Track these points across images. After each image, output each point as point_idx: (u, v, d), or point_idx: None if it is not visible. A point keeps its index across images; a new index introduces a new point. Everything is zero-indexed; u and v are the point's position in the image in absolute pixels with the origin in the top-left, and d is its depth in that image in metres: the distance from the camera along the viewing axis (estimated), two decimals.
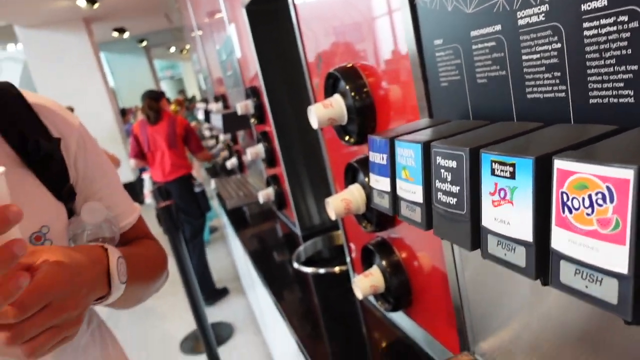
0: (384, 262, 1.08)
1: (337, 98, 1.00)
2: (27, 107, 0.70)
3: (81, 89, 7.02)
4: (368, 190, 1.02)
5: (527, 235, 0.40)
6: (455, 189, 0.49)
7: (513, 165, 0.41)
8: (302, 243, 1.91)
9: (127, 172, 7.34)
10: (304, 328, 1.36)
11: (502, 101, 0.60)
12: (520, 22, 0.54)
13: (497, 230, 0.44)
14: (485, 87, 0.63)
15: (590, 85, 0.48)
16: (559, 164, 0.37)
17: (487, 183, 0.44)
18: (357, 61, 0.98)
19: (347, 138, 1.05)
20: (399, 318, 1.17)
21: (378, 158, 0.66)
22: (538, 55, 0.53)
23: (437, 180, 0.52)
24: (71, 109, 3.71)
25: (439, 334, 1.00)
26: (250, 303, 3.26)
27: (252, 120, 2.11)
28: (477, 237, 0.48)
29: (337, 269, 1.60)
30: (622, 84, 0.44)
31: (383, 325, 1.23)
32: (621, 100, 0.44)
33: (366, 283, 1.08)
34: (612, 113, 0.45)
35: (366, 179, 1.00)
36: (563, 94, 0.51)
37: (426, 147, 0.54)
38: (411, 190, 0.58)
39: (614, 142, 0.38)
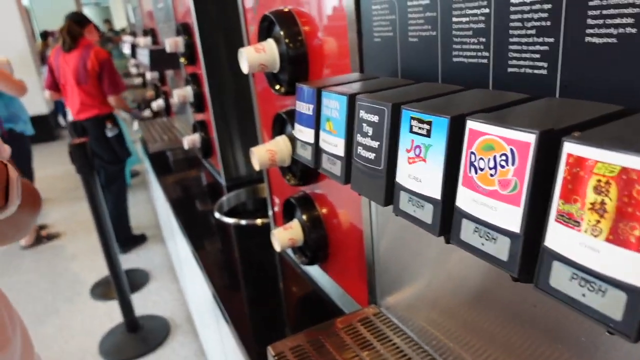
0: (304, 217, 1.08)
1: (270, 43, 0.96)
2: None
3: None
4: (294, 143, 1.01)
5: (436, 193, 0.41)
6: (374, 143, 0.49)
7: (430, 123, 0.41)
8: (226, 194, 1.87)
9: (40, 103, 6.72)
10: (221, 278, 1.35)
11: (430, 62, 0.60)
12: None
13: (409, 187, 0.45)
14: (415, 46, 0.62)
15: (511, 54, 0.49)
16: (471, 124, 0.37)
17: (405, 140, 0.44)
18: (294, 7, 0.94)
19: (277, 87, 1.02)
20: (315, 272, 1.20)
21: (304, 108, 0.64)
22: (467, 19, 0.53)
23: (358, 135, 0.51)
24: None
25: (351, 288, 1.04)
26: (169, 251, 3.20)
27: (182, 59, 1.98)
28: (390, 193, 0.49)
29: (258, 221, 1.60)
30: (538, 56, 0.45)
31: (299, 278, 1.26)
32: (536, 71, 0.46)
33: (285, 235, 1.09)
34: (527, 83, 0.47)
35: (293, 131, 0.99)
36: (485, 60, 0.52)
37: (351, 100, 0.53)
38: (333, 143, 0.57)
39: (523, 109, 0.39)
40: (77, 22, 3.06)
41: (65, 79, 3.11)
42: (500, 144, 0.34)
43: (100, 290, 3.06)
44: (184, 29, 1.87)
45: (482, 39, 0.52)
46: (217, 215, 1.69)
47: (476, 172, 0.37)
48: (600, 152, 0.28)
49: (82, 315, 2.83)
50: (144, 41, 2.90)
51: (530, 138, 0.32)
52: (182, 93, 1.96)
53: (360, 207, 0.88)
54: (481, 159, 0.36)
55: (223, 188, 1.96)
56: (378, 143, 0.48)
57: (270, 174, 1.35)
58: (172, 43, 1.88)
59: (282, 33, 0.92)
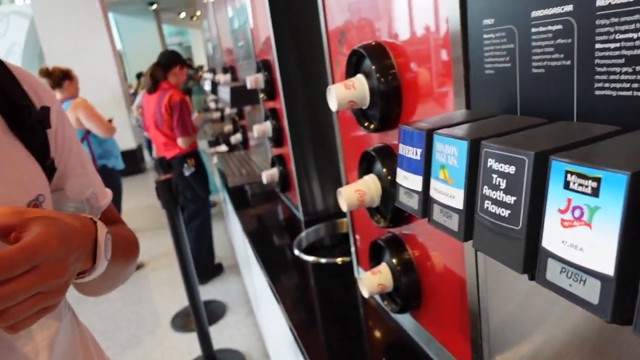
0: (394, 260, 1.00)
1: (360, 78, 0.91)
2: (8, 72, 0.62)
3: (88, 49, 6.88)
4: (384, 182, 0.94)
5: (607, 267, 0.32)
6: (509, 199, 0.41)
7: (598, 179, 0.32)
8: (303, 228, 1.84)
9: (129, 138, 7.26)
10: (298, 315, 1.29)
11: (562, 96, 0.52)
12: (599, 2, 0.45)
13: (563, 256, 0.36)
14: (541, 79, 0.54)
15: None
16: None
17: (557, 198, 0.36)
18: (385, 39, 0.89)
19: (366, 124, 0.96)
20: (404, 319, 1.10)
21: (410, 152, 0.57)
22: (617, 45, 0.44)
23: (485, 187, 0.44)
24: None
25: (449, 343, 0.93)
26: (245, 283, 3.22)
27: (262, 95, 2.01)
28: (531, 258, 0.40)
29: (339, 259, 1.53)
30: None
31: (384, 323, 1.17)
32: None
33: (374, 281, 1.01)
34: None
35: (384, 170, 0.92)
36: None
37: (474, 146, 0.46)
38: (449, 194, 0.50)
39: None
40: (162, 66, 3.20)
41: (148, 121, 3.31)
42: None
43: (180, 321, 3.13)
44: (264, 66, 1.90)
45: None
46: (296, 251, 1.65)
47: None
48: None
49: (163, 348, 2.89)
50: (224, 78, 3.02)
51: None
52: (261, 128, 1.98)
53: (463, 251, 0.79)
54: None
55: (301, 222, 1.93)
56: (515, 199, 0.40)
57: (354, 211, 1.28)
58: (253, 80, 1.92)
59: (373, 67, 0.87)
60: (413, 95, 0.83)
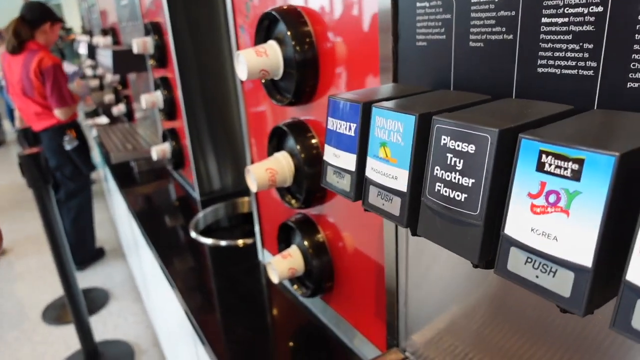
0: (305, 242, 0.95)
1: (272, 45, 0.82)
2: None
3: None
4: (298, 160, 0.87)
5: (586, 259, 0.30)
6: (467, 181, 0.36)
7: (580, 161, 0.29)
8: (200, 209, 1.71)
9: None
10: (196, 300, 1.19)
11: (501, 73, 0.49)
12: None
13: (532, 245, 0.33)
14: (479, 53, 0.51)
15: (635, 65, 0.38)
16: None
17: (526, 180, 0.32)
18: (301, 4, 0.81)
19: (279, 97, 0.88)
20: (313, 302, 1.06)
21: (342, 127, 0.51)
22: (566, 19, 0.42)
23: (437, 167, 0.39)
24: None
25: (362, 325, 0.91)
26: (131, 268, 2.96)
27: (151, 61, 1.80)
28: (488, 247, 0.37)
29: (240, 242, 1.45)
30: None
31: (291, 306, 1.12)
32: None
33: (284, 265, 0.95)
34: None
35: (297, 147, 0.86)
36: (590, 72, 0.41)
37: (424, 121, 0.41)
38: (391, 175, 0.44)
39: None
40: (27, 21, 2.67)
41: (12, 87, 2.80)
42: None
43: (53, 314, 2.79)
44: (153, 29, 1.70)
45: (589, 45, 0.41)
46: (193, 234, 1.53)
47: None
48: None
49: (33, 344, 2.55)
50: (103, 41, 2.68)
51: None
52: (150, 99, 1.78)
53: (381, 232, 0.76)
54: None
55: (196, 202, 1.79)
56: (473, 181, 0.36)
57: (259, 192, 1.20)
58: (140, 43, 1.70)
59: (288, 33, 0.79)
60: (332, 67, 0.77)
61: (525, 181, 0.33)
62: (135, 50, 1.71)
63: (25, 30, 2.66)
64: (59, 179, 2.90)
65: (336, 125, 0.52)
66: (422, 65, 0.59)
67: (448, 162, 0.38)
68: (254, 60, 0.80)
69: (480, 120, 0.36)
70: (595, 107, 0.41)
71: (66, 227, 2.83)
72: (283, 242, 1.04)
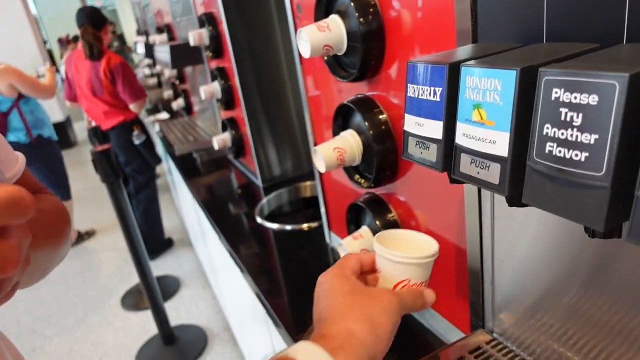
0: (378, 222, 0.92)
1: (335, 19, 0.79)
2: None
3: None
4: (367, 137, 0.84)
5: None
6: (588, 137, 0.32)
7: None
8: (263, 195, 1.72)
9: (56, 109, 6.65)
10: (265, 284, 1.20)
11: (607, 17, 0.43)
12: None
13: None
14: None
15: None
16: None
17: None
18: None
19: (344, 73, 0.85)
20: None
21: (425, 93, 0.47)
22: None
23: (548, 125, 0.35)
24: None
25: (444, 308, 0.87)
26: (199, 257, 3.07)
27: (207, 53, 1.83)
28: (616, 211, 0.32)
29: (305, 225, 1.44)
30: None
31: None
32: None
33: (355, 246, 0.93)
34: None
35: (365, 124, 0.82)
36: None
37: (527, 75, 0.37)
38: (488, 139, 0.40)
39: None
40: (95, 27, 2.78)
41: (81, 90, 2.96)
42: None
43: (131, 300, 2.95)
44: (208, 20, 1.71)
45: None
46: (258, 219, 1.54)
47: None
48: None
49: (114, 329, 2.72)
50: (159, 38, 2.76)
51: None
52: (209, 89, 1.81)
53: (460, 206, 0.72)
54: None
55: (259, 189, 1.81)
56: (596, 137, 0.32)
57: (324, 173, 1.19)
58: (196, 35, 1.73)
59: (351, 4, 0.75)
60: (400, 36, 0.73)
61: None
62: (191, 42, 1.74)
63: (97, 35, 2.79)
64: (128, 173, 3.05)
65: (418, 91, 0.49)
66: (507, 20, 0.53)
67: (562, 118, 0.34)
68: (316, 35, 0.77)
69: (602, 67, 0.32)
70: None
71: (137, 219, 2.98)
72: (353, 223, 1.02)
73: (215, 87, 1.81)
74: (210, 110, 2.40)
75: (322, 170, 0.86)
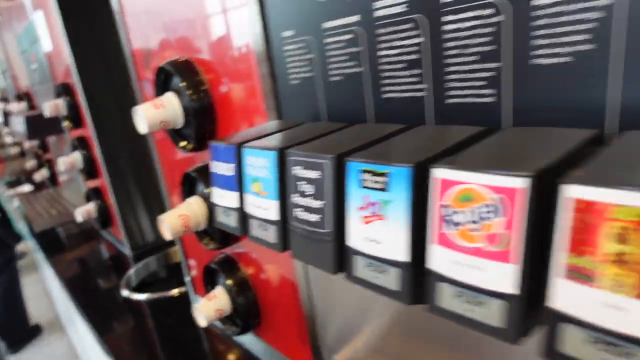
0: (229, 282, 0.97)
1: (169, 97, 0.86)
2: None
3: None
4: (210, 202, 0.90)
5: (402, 255, 0.35)
6: (317, 203, 0.41)
7: (386, 174, 0.34)
8: (133, 265, 1.67)
9: None
10: None
11: (358, 101, 0.55)
12: (378, 13, 0.49)
13: (366, 251, 0.38)
14: (340, 85, 0.57)
15: (450, 85, 0.45)
16: (439, 172, 0.31)
17: (356, 196, 0.38)
18: (193, 55, 0.86)
19: (183, 144, 0.91)
20: (249, 340, 1.07)
21: (222, 169, 0.55)
22: (397, 51, 0.49)
23: (296, 195, 0.44)
24: None
25: (292, 353, 0.93)
26: (71, 342, 2.78)
27: (66, 123, 1.78)
28: (340, 258, 0.41)
29: (175, 291, 1.43)
30: (482, 83, 0.42)
31: (231, 349, 1.12)
32: (481, 99, 0.42)
33: (210, 307, 0.96)
34: (472, 112, 0.43)
35: (207, 191, 0.88)
36: (422, 93, 0.48)
37: (281, 155, 0.46)
38: (264, 207, 0.49)
39: (489, 147, 0.35)
40: None
41: None
42: (481, 194, 0.29)
43: None
44: (65, 90, 1.69)
45: (416, 71, 0.48)
46: (124, 292, 1.49)
47: (453, 228, 0.31)
48: (616, 194, 0.23)
49: None
50: (17, 107, 2.60)
51: (521, 183, 0.27)
52: (68, 160, 1.75)
53: (291, 260, 0.79)
54: (457, 212, 0.30)
55: (129, 259, 1.75)
56: (322, 202, 0.41)
57: (184, 237, 1.21)
58: (52, 106, 1.68)
59: (182, 85, 0.83)
60: (227, 111, 0.82)
61: (355, 197, 0.38)
62: (47, 113, 1.68)
63: None
64: None
65: (218, 167, 0.56)
66: (298, 101, 0.64)
67: (301, 189, 0.43)
68: (152, 112, 0.83)
69: (321, 149, 0.42)
70: (428, 123, 0.48)
71: None
72: (209, 284, 1.05)
73: (76, 157, 1.76)
74: (76, 181, 2.29)
75: (168, 237, 0.89)
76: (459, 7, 0.42)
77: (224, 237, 0.93)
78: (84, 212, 1.79)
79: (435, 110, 0.47)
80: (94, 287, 1.66)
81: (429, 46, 0.46)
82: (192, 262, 1.23)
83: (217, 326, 1.16)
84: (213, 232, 0.94)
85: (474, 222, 0.30)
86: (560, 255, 0.26)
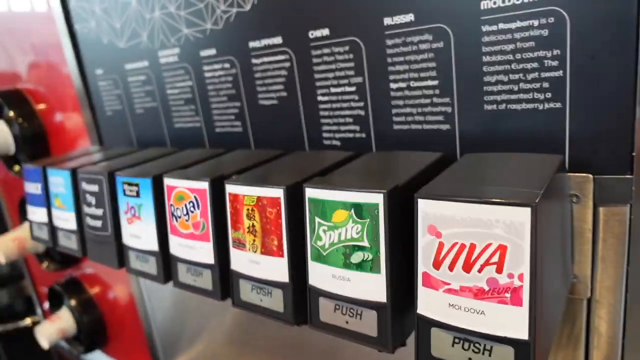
0: (72, 302, 1.00)
1: (0, 126, 0.89)
2: None
3: None
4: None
5: (154, 245, 0.46)
6: (99, 211, 0.51)
7: (137, 185, 0.46)
8: None
9: None
10: None
11: (158, 130, 0.66)
12: (162, 60, 0.61)
13: (133, 245, 0.48)
14: (143, 117, 0.68)
15: (215, 118, 0.58)
16: (167, 181, 0.43)
17: (122, 203, 0.48)
18: (23, 85, 0.90)
19: (17, 168, 0.94)
20: (98, 358, 1.10)
21: (33, 188, 0.62)
22: (178, 90, 0.61)
23: (85, 206, 0.53)
24: None
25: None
26: None
27: None
28: (121, 255, 0.51)
29: (28, 320, 1.39)
30: (233, 117, 0.56)
31: None
32: (235, 129, 0.56)
33: (52, 329, 0.98)
34: (231, 139, 0.56)
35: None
36: (199, 124, 0.61)
37: (74, 174, 0.55)
38: (65, 218, 0.57)
39: (211, 163, 0.48)
40: None
41: None
42: (187, 194, 0.41)
43: None
44: None
45: (192, 106, 0.60)
46: None
47: (177, 220, 0.43)
48: (245, 188, 0.37)
49: None
50: None
51: (204, 185, 0.40)
52: None
53: (126, 278, 0.87)
54: (178, 208, 0.43)
55: None
56: (102, 210, 0.51)
57: (30, 265, 1.20)
58: None
59: (12, 114, 0.87)
60: (58, 137, 0.88)
61: (122, 203, 0.48)
62: None
63: None
64: None
65: (30, 187, 0.63)
66: (114, 129, 0.74)
67: (88, 201, 0.52)
68: None
69: (97, 169, 0.52)
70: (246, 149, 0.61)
71: None
72: (55, 306, 1.07)
73: None
74: None
75: (3, 261, 0.91)
76: (210, 60, 0.55)
77: (64, 259, 0.96)
78: None
79: (207, 137, 0.60)
80: None
81: (198, 88, 0.59)
82: (43, 290, 1.22)
83: (63, 347, 1.16)
84: (54, 253, 0.98)
85: (185, 214, 0.42)
86: (229, 232, 0.39)
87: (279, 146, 0.52)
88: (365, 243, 0.31)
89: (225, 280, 0.41)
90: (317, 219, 0.33)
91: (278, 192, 0.35)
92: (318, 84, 0.47)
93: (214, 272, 0.42)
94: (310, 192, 0.33)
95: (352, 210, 0.31)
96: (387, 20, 0.40)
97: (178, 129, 0.64)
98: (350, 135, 0.47)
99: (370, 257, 0.31)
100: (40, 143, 0.89)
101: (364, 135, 0.46)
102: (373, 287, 0.31)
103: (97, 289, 1.00)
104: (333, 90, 0.46)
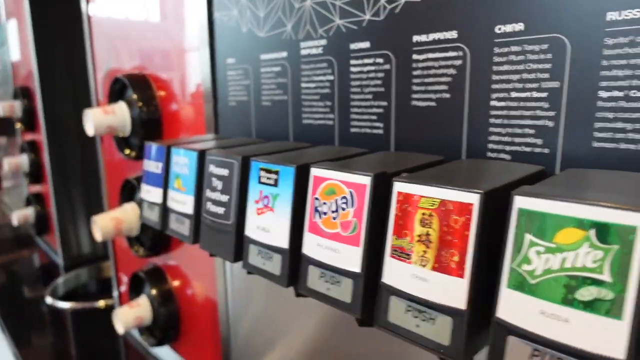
0: (153, 291, 0.99)
1: (121, 105, 0.91)
2: None
3: None
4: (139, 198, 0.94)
5: (284, 242, 0.41)
6: (224, 197, 0.47)
7: (277, 172, 0.41)
8: (63, 274, 1.63)
9: None
10: None
11: (282, 124, 0.63)
12: (303, 52, 0.58)
13: (258, 239, 0.44)
14: (268, 110, 0.65)
15: (352, 117, 0.53)
16: (315, 171, 0.39)
17: (254, 191, 0.44)
18: (148, 71, 0.92)
19: (127, 151, 0.96)
20: (165, 353, 1.07)
21: (153, 166, 0.61)
22: (315, 84, 0.58)
23: (208, 190, 0.50)
24: None
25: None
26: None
27: (19, 125, 1.78)
28: (240, 248, 0.47)
29: (101, 303, 1.41)
30: (375, 117, 0.51)
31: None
32: (374, 131, 0.51)
33: (130, 315, 0.97)
34: (368, 141, 0.51)
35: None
36: (331, 122, 0.56)
37: (201, 155, 0.52)
38: (182, 201, 0.54)
39: (363, 159, 0.42)
40: None
41: None
42: (341, 188, 0.36)
43: None
44: (23, 93, 1.70)
45: (328, 103, 0.56)
46: (49, 300, 1.45)
47: (320, 217, 0.38)
48: (423, 188, 0.31)
49: None
50: None
51: (366, 180, 0.34)
52: (14, 161, 1.73)
53: (214, 276, 0.83)
54: (324, 203, 0.37)
55: (60, 269, 1.71)
56: (228, 197, 0.47)
57: (117, 248, 1.22)
58: (7, 107, 1.69)
59: (134, 96, 0.89)
60: (172, 125, 0.88)
61: (253, 192, 0.44)
62: (1, 113, 1.68)
63: None
64: None
65: (149, 165, 0.62)
66: (234, 120, 0.71)
67: (213, 185, 0.49)
68: (100, 117, 0.88)
69: (230, 153, 0.48)
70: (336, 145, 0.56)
71: None
72: (135, 293, 1.06)
73: (23, 160, 1.74)
74: (20, 185, 2.24)
75: (99, 238, 0.91)
76: (360, 54, 0.51)
77: (153, 245, 0.96)
78: (20, 216, 1.75)
79: (339, 136, 0.55)
80: (19, 295, 1.61)
81: (338, 83, 0.54)
82: (122, 276, 1.24)
83: (135, 337, 1.16)
84: (145, 240, 0.97)
85: (334, 211, 0.37)
86: (390, 238, 0.33)
87: (425, 153, 0.46)
88: (605, 277, 0.23)
89: (370, 294, 0.35)
90: (529, 237, 0.26)
91: (472, 198, 0.28)
92: (495, 86, 0.41)
93: (357, 283, 0.36)
94: (523, 202, 0.26)
95: (592, 231, 0.24)
96: (612, 15, 0.33)
97: (306, 125, 0.60)
98: (528, 149, 0.39)
99: (610, 296, 0.23)
100: (156, 128, 0.89)
101: (546, 150, 0.38)
102: (605, 334, 0.23)
103: (178, 283, 0.98)
104: (514, 95, 0.40)
